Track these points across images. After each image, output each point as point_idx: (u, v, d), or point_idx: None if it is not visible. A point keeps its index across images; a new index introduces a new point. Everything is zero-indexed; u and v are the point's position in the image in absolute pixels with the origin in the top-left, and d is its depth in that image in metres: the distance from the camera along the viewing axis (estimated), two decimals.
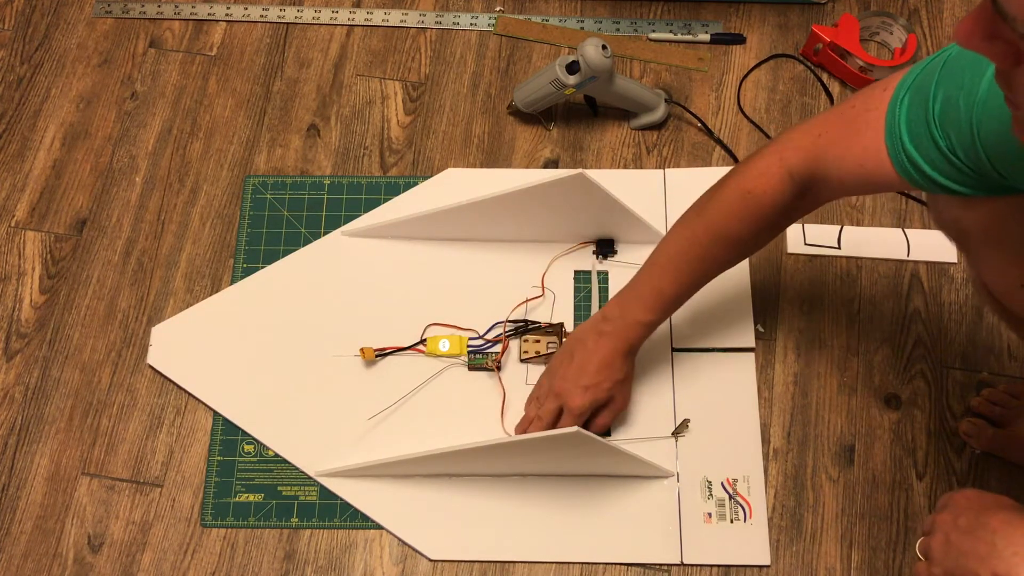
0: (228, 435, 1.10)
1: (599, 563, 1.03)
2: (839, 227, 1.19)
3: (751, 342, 1.12)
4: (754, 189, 0.85)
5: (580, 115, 1.26)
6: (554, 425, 1.02)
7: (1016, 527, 0.67)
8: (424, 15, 1.34)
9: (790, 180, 0.83)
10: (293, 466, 1.08)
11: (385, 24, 1.33)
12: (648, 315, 0.97)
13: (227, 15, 1.35)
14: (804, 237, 1.18)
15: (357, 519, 1.06)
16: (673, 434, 1.07)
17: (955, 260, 1.17)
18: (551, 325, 1.11)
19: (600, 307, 1.12)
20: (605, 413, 1.03)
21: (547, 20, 1.34)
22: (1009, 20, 0.47)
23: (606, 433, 1.07)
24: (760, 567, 1.03)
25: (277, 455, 1.08)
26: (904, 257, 1.17)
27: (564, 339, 1.09)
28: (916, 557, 0.76)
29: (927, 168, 0.71)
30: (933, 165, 0.71)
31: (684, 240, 0.93)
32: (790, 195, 0.84)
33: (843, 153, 0.77)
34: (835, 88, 1.27)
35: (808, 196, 0.85)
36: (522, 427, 1.06)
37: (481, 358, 1.11)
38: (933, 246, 1.17)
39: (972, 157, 0.68)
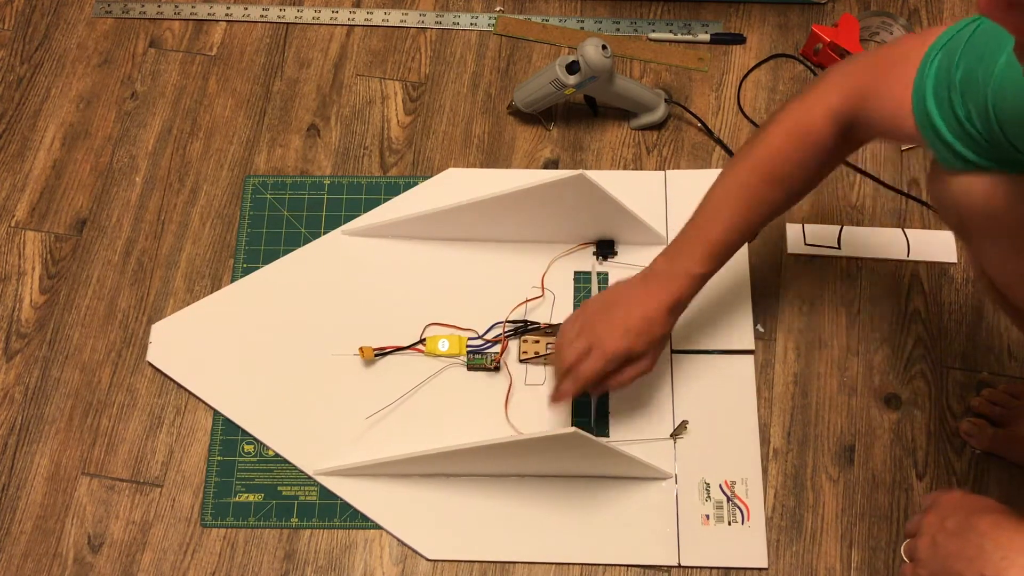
0: (228, 435, 1.10)
1: (597, 564, 1.03)
2: (839, 227, 1.19)
3: (751, 344, 1.11)
4: (799, 128, 0.85)
5: (580, 115, 1.26)
6: (579, 368, 0.96)
7: (1004, 530, 0.67)
8: (424, 15, 1.34)
9: (833, 120, 0.83)
10: (293, 466, 1.08)
11: (385, 24, 1.33)
12: (697, 266, 0.93)
13: (227, 15, 1.35)
14: (804, 237, 1.18)
15: (357, 519, 1.06)
16: (672, 436, 1.07)
17: (955, 260, 1.17)
18: (551, 326, 1.11)
19: None
20: (630, 369, 0.97)
21: (547, 20, 1.34)
22: None
23: (605, 434, 1.07)
24: (758, 570, 1.03)
25: (277, 455, 1.08)
26: (904, 257, 1.17)
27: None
28: (901, 559, 0.76)
29: (944, 131, 0.71)
30: (951, 129, 0.71)
31: (731, 184, 0.91)
32: (834, 134, 0.84)
33: (880, 98, 0.77)
34: None
35: (850, 136, 0.84)
36: (558, 384, 0.99)
37: (480, 358, 1.11)
38: (933, 246, 1.17)
39: (987, 128, 0.68)
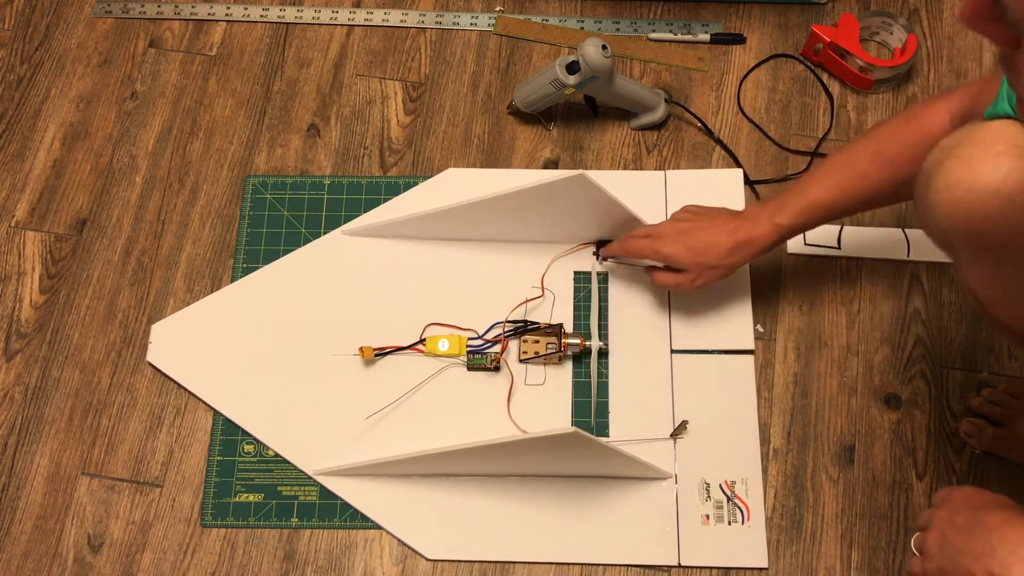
0: (228, 435, 1.10)
1: (597, 564, 1.03)
2: (839, 227, 1.19)
3: (751, 344, 1.11)
4: (917, 115, 0.90)
5: (580, 115, 1.26)
6: (629, 238, 1.05)
7: (1013, 526, 0.67)
8: (424, 15, 1.34)
9: (949, 114, 0.86)
10: (293, 466, 1.08)
11: (385, 24, 1.33)
12: (784, 217, 0.96)
13: (227, 15, 1.35)
14: (804, 237, 1.18)
15: (357, 519, 1.06)
16: (672, 436, 1.07)
17: None
18: (550, 325, 1.11)
19: (599, 307, 1.12)
20: (671, 276, 1.02)
21: (547, 20, 1.34)
22: (1002, 7, 0.47)
23: (605, 434, 1.07)
24: (758, 570, 1.03)
25: (277, 455, 1.08)
26: (904, 257, 1.17)
27: (562, 340, 1.09)
28: (911, 552, 0.76)
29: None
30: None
31: (841, 154, 0.95)
32: (948, 128, 0.85)
33: (988, 93, 0.79)
34: (835, 88, 1.27)
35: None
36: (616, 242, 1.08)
37: (480, 358, 1.11)
38: (933, 246, 1.16)
39: None
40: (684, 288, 1.02)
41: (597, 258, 1.16)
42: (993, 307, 0.77)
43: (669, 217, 1.06)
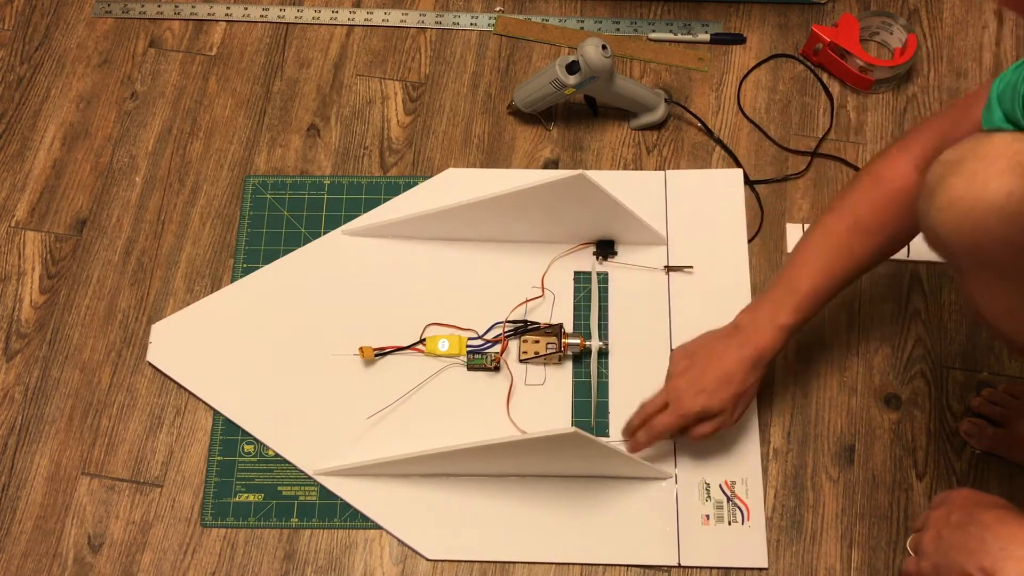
0: (228, 435, 1.10)
1: (597, 564, 1.03)
2: None
3: None
4: (882, 175, 0.88)
5: (580, 115, 1.26)
6: (653, 421, 0.97)
7: (1007, 524, 0.68)
8: (424, 15, 1.34)
9: (915, 166, 0.85)
10: (293, 466, 1.08)
11: (385, 24, 1.33)
12: (782, 317, 0.92)
13: (227, 15, 1.35)
14: None
15: (357, 519, 1.06)
16: (672, 437, 1.07)
17: None
18: (550, 325, 1.11)
19: (599, 307, 1.12)
20: (708, 424, 0.96)
21: (547, 20, 1.34)
22: None
23: (605, 434, 1.07)
24: (758, 570, 1.03)
25: (277, 455, 1.08)
26: (904, 257, 1.17)
27: (562, 340, 1.08)
28: (906, 552, 0.77)
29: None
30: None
31: (817, 234, 0.92)
32: (918, 181, 0.81)
33: (958, 134, 0.77)
34: (835, 88, 1.27)
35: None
36: (634, 433, 0.99)
37: (480, 358, 1.11)
38: None
39: None
40: (727, 427, 0.97)
41: (597, 258, 1.15)
42: (996, 321, 0.76)
43: (666, 377, 0.98)
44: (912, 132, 0.89)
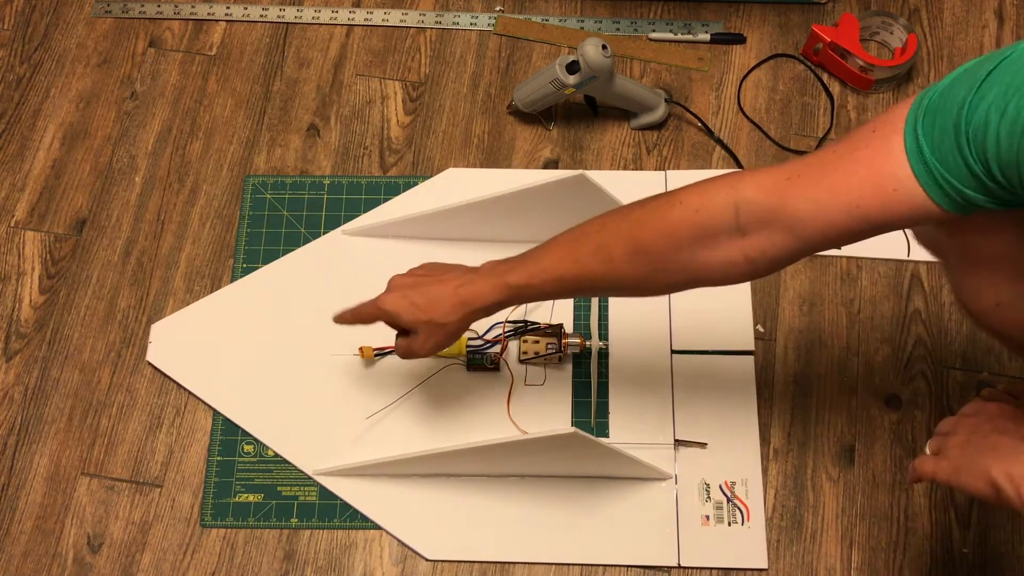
0: (228, 435, 1.10)
1: (597, 564, 1.03)
2: None
3: (751, 344, 1.11)
4: (690, 202, 0.74)
5: (580, 115, 1.26)
6: (362, 308, 0.94)
7: None
8: (424, 15, 1.34)
9: (733, 211, 0.72)
10: (293, 466, 1.08)
11: (385, 24, 1.33)
12: (515, 277, 0.85)
13: (227, 15, 1.35)
14: None
15: (357, 519, 1.06)
16: (677, 442, 1.07)
17: None
18: (550, 326, 1.11)
19: (600, 307, 1.12)
20: (403, 341, 0.93)
21: (547, 20, 1.34)
22: None
23: (605, 434, 1.07)
24: (758, 570, 1.03)
25: (277, 455, 1.08)
26: (904, 257, 1.17)
27: (562, 340, 1.08)
28: (921, 452, 0.75)
29: (960, 187, 0.63)
30: (965, 184, 0.62)
31: (593, 223, 0.82)
32: (725, 226, 0.72)
33: (823, 195, 0.68)
34: (835, 88, 1.27)
35: (753, 238, 0.73)
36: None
37: (480, 358, 1.11)
38: None
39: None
40: (418, 353, 0.92)
41: None
42: (982, 317, 0.76)
43: (406, 271, 0.95)
44: (752, 173, 0.73)
